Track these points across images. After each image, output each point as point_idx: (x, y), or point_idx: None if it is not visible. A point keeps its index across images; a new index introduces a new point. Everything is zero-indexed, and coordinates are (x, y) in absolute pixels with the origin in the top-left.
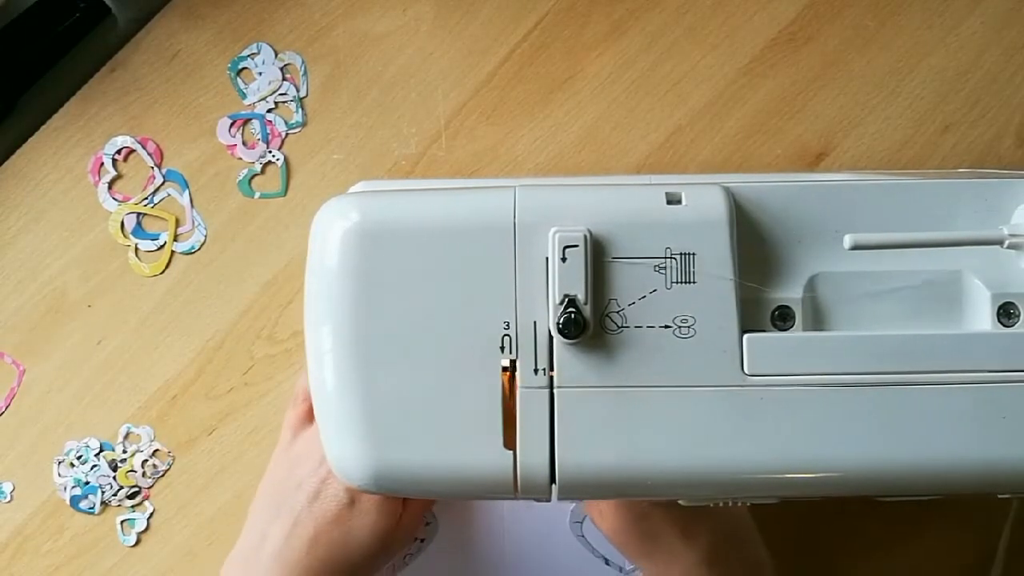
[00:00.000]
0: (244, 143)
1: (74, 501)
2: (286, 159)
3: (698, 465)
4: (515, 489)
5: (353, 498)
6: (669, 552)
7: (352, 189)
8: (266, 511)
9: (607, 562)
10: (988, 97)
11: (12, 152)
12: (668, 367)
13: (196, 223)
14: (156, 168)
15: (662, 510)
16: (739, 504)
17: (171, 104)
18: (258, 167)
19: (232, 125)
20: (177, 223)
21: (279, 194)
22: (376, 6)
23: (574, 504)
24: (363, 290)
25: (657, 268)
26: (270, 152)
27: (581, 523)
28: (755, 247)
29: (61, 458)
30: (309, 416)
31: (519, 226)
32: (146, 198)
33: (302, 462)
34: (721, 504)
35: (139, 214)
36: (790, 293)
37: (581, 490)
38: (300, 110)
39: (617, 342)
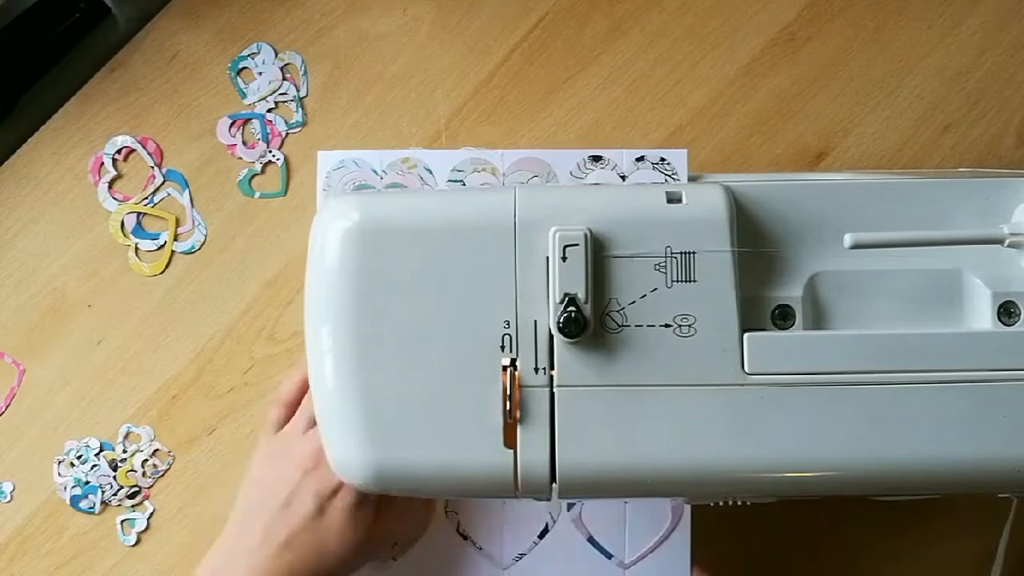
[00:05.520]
0: (244, 143)
1: (74, 501)
2: (286, 159)
3: (698, 464)
4: (515, 488)
5: (321, 507)
6: None
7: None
8: (244, 511)
9: (602, 550)
10: (988, 97)
11: (12, 152)
12: (669, 366)
13: (196, 223)
14: (156, 168)
15: None
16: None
17: (171, 104)
18: (258, 167)
19: (232, 125)
20: (177, 223)
21: (279, 194)
22: (376, 6)
23: None
24: (363, 290)
25: (657, 267)
26: (270, 152)
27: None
28: (755, 246)
29: (61, 458)
30: (288, 419)
31: (519, 225)
32: (146, 198)
33: (277, 465)
34: (721, 503)
35: (139, 214)
36: (790, 292)
37: (581, 489)
38: (300, 110)
39: (617, 341)
